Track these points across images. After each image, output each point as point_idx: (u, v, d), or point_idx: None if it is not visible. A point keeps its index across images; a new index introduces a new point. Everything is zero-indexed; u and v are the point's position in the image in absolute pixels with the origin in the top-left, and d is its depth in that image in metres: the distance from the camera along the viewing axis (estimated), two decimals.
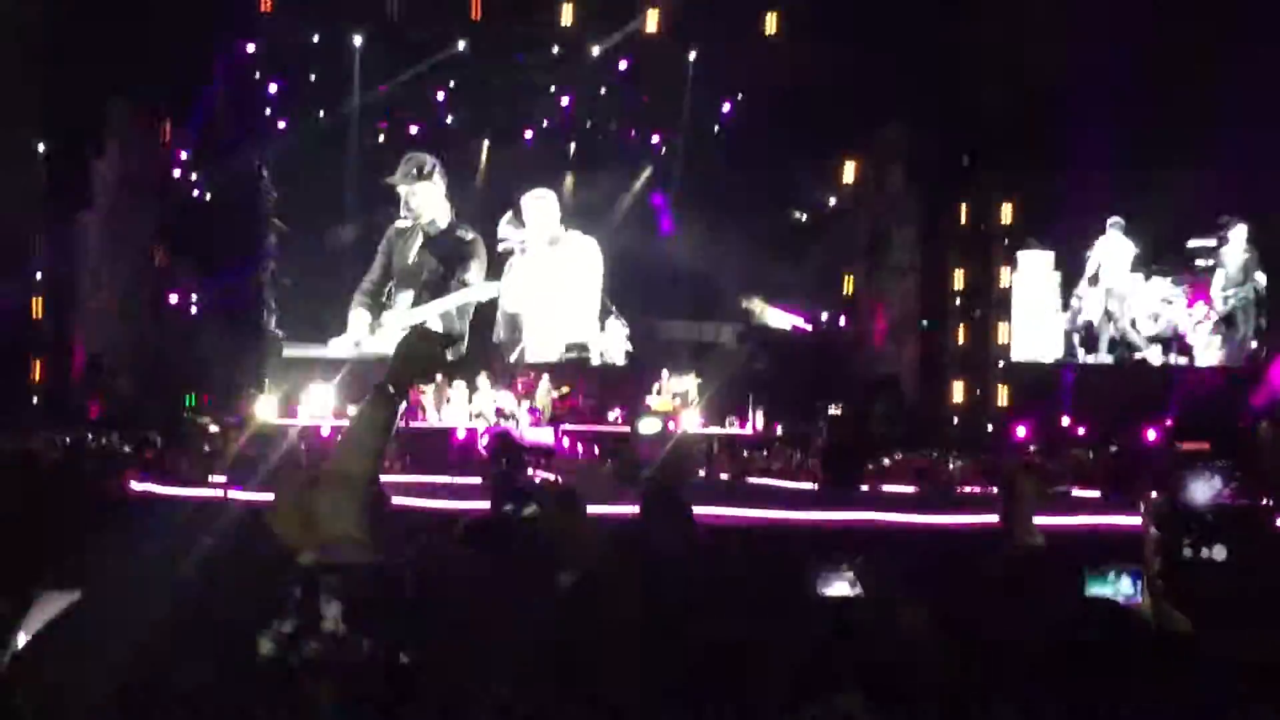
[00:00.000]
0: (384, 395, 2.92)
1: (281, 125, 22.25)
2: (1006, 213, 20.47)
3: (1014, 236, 20.78)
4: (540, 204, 22.78)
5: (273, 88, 22.06)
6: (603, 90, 22.79)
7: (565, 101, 22.91)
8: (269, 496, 2.82)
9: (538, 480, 11.86)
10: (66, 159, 18.55)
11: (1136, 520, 4.71)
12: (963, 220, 20.69)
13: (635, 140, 23.56)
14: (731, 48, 21.41)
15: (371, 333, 22.17)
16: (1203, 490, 4.42)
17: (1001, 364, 20.65)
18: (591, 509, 5.41)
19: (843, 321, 22.49)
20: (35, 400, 18.02)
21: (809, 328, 22.80)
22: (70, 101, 18.17)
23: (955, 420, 20.18)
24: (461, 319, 22.34)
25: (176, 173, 21.30)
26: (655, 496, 5.01)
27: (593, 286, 23.01)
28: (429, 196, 22.47)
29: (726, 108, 22.92)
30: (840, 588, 4.47)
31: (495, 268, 22.75)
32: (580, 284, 23.01)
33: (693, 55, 21.91)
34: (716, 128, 23.29)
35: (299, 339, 22.25)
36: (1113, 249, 21.43)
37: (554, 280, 22.84)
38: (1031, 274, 21.11)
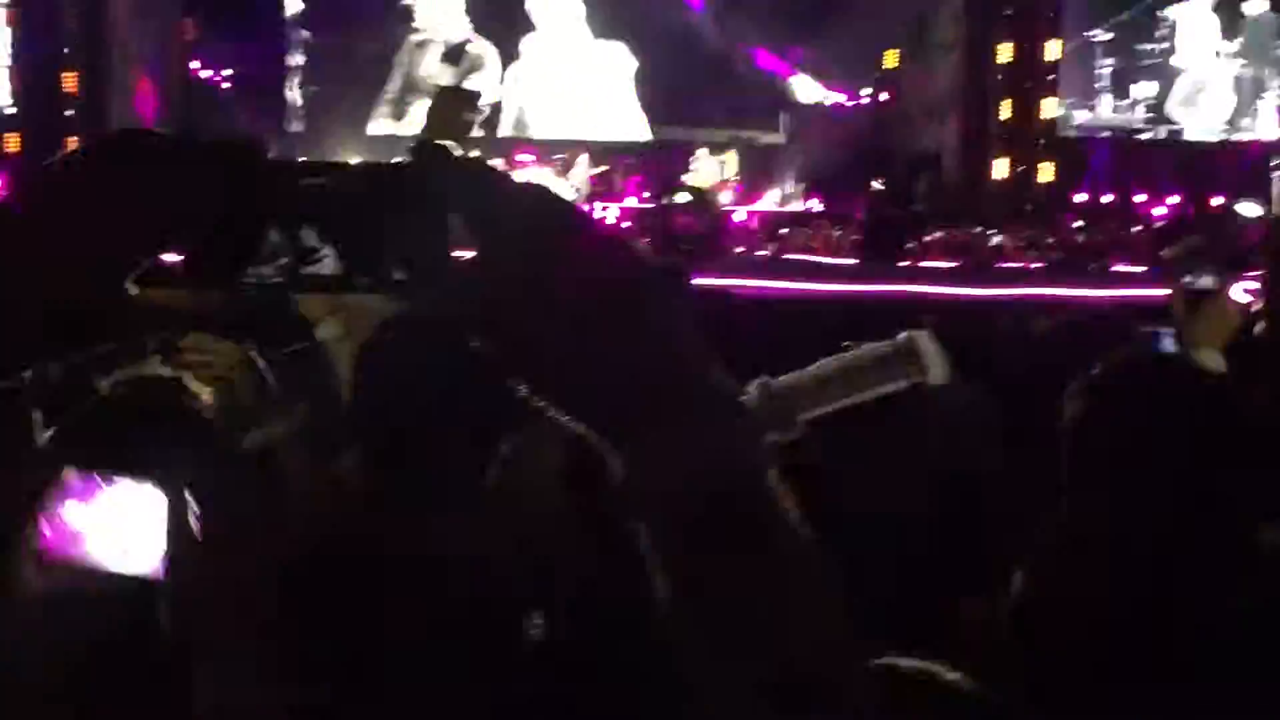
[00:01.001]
0: (417, 152, 2.96)
1: None
2: None
3: (1062, 7, 20.13)
4: None
5: None
6: None
7: None
8: None
9: None
10: None
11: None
12: None
13: None
14: None
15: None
16: None
17: (1044, 140, 20.25)
18: None
19: (884, 97, 22.05)
20: None
21: (847, 102, 22.44)
22: None
23: (998, 196, 19.88)
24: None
25: None
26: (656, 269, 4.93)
27: (618, 101, 22.71)
28: (443, 9, 22.30)
29: None
30: None
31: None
32: (603, 98, 22.70)
33: None
34: None
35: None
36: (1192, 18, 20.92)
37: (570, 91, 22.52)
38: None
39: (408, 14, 22.36)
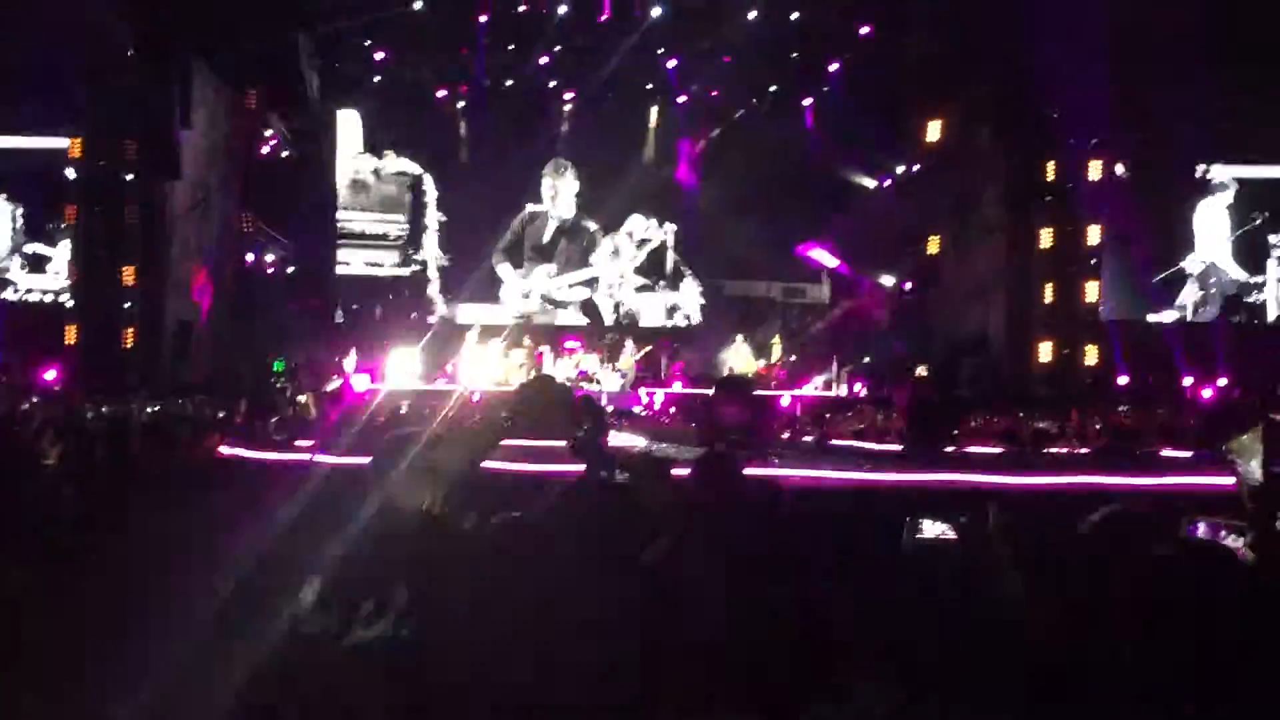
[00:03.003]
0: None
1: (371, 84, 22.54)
2: (1095, 169, 19.99)
3: (1103, 194, 20.27)
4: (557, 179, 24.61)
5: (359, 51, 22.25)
6: (684, 54, 22.57)
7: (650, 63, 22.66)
8: (356, 460, 2.95)
9: (620, 443, 11.83)
10: (155, 129, 18.65)
11: (1228, 480, 4.56)
12: (1050, 177, 20.19)
13: (717, 100, 23.44)
14: (815, 9, 21.11)
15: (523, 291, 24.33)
16: None
17: (1090, 322, 20.23)
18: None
19: (928, 282, 22.22)
20: (128, 367, 18.24)
21: (889, 286, 22.64)
22: (158, 72, 18.35)
23: (1043, 381, 19.83)
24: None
25: (262, 141, 21.50)
26: (705, 458, 4.98)
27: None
28: (565, 192, 24.61)
29: (810, 70, 22.70)
30: (936, 531, 4.45)
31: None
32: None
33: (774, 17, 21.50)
34: (800, 91, 23.14)
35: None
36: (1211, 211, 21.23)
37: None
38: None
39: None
